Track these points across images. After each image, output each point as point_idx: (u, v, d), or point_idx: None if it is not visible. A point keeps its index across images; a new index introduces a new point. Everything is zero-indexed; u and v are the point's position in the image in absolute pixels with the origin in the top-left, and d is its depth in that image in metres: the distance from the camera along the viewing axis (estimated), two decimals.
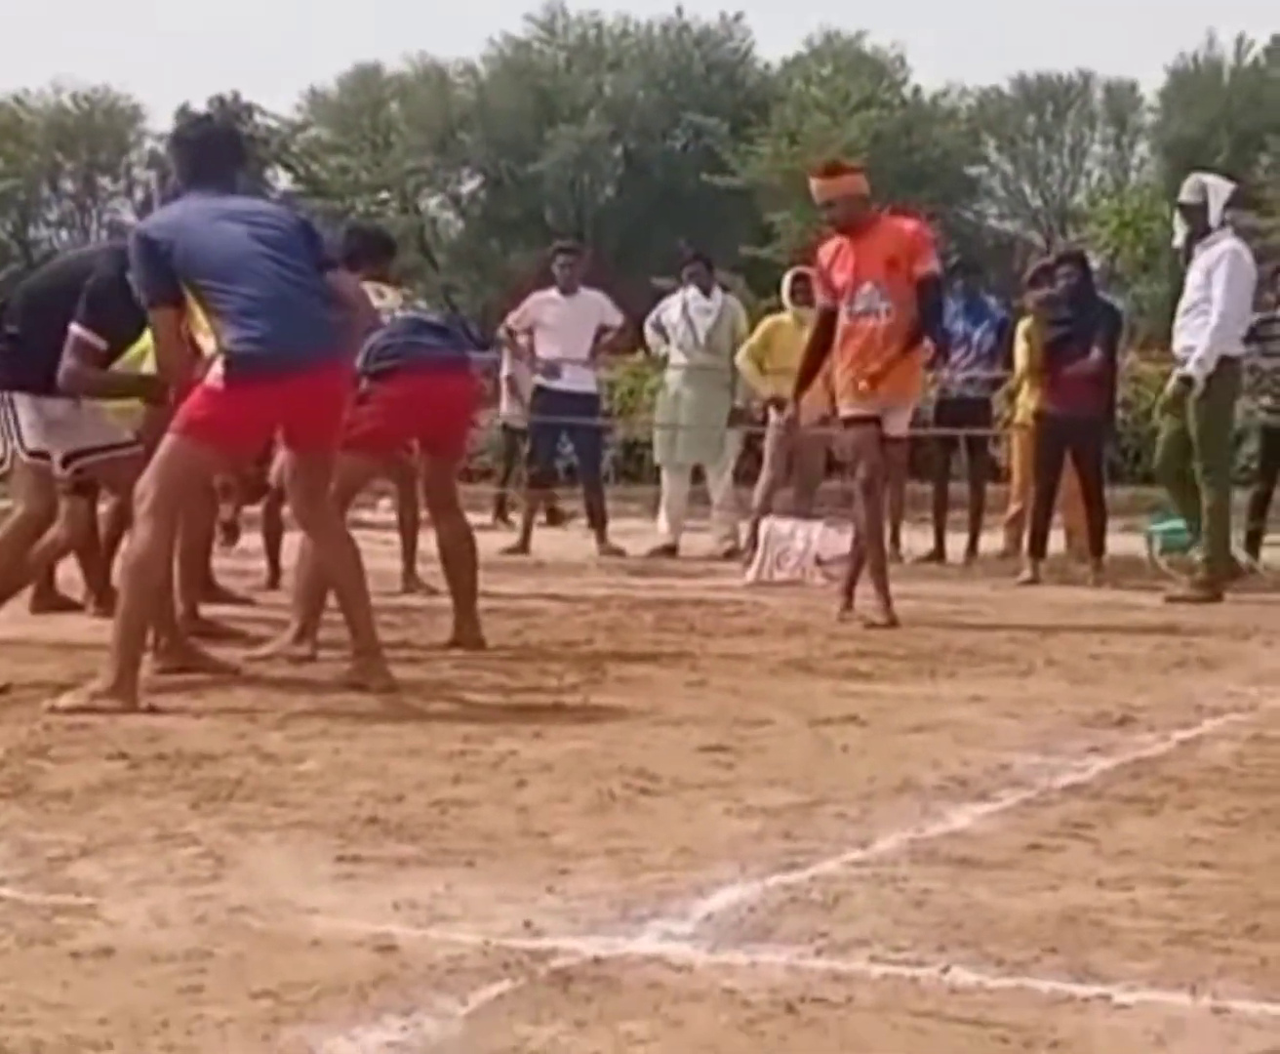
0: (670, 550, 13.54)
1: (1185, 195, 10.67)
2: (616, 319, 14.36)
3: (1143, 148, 58.33)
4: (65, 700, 5.95)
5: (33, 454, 7.34)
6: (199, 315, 6.49)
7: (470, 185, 58.31)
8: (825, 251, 9.17)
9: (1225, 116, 53.56)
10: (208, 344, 6.55)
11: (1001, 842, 4.18)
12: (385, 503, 15.91)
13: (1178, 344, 10.56)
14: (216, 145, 6.82)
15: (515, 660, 7.41)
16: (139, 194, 56.15)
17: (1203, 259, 10.37)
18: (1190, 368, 10.37)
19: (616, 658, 7.49)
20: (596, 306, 14.25)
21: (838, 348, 9.01)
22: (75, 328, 7.06)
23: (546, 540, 14.24)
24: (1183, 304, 10.58)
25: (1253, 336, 12.35)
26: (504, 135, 55.05)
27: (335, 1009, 2.94)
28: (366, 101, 57.79)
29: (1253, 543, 11.92)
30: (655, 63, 57.22)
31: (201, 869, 3.84)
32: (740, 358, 13.11)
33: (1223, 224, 10.42)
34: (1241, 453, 16.40)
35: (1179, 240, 10.77)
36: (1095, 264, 53.19)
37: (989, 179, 56.74)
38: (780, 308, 13.60)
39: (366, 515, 14.03)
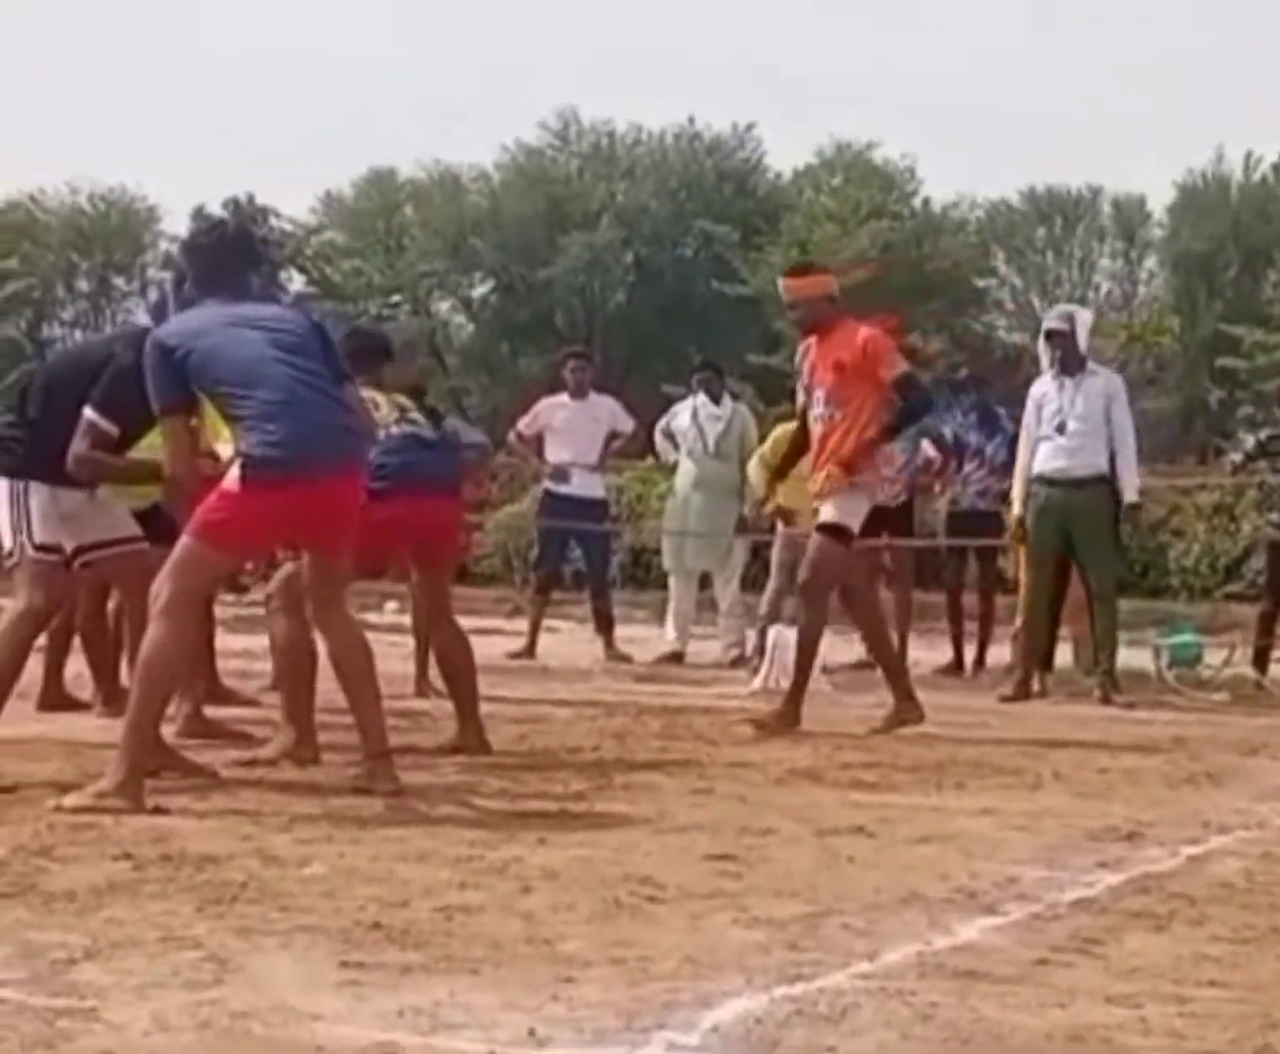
0: (677, 657, 13.53)
1: (1054, 323, 11.31)
2: (627, 425, 14.41)
3: (1151, 262, 58.58)
4: (71, 800, 5.93)
5: (40, 548, 7.35)
6: (216, 422, 6.51)
7: (482, 289, 58.61)
8: (801, 351, 9.33)
9: (1233, 232, 53.81)
10: (225, 450, 6.56)
11: (1009, 956, 4.16)
12: (391, 605, 15.94)
13: (1062, 462, 10.89)
14: (230, 250, 6.85)
15: (521, 767, 7.39)
16: (153, 295, 56.34)
17: (1092, 385, 11.01)
18: (1133, 495, 11.02)
19: (623, 765, 7.47)
20: (607, 412, 14.30)
21: None
22: (89, 411, 7.07)
23: (554, 645, 14.23)
24: (1058, 421, 10.95)
25: (1262, 452, 12.41)
26: (516, 240, 55.35)
27: None
28: (380, 205, 58.17)
29: (1260, 659, 11.91)
30: (667, 171, 57.57)
31: (205, 973, 3.82)
32: (752, 466, 13.13)
33: (1088, 353, 11.18)
34: (1249, 568, 16.42)
35: (1045, 365, 11.21)
36: None
37: (998, 291, 56.94)
38: (791, 416, 13.62)
39: (372, 618, 14.03)
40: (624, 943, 4.18)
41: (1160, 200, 57.15)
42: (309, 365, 6.40)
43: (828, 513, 9.00)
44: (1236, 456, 13.80)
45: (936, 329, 57.26)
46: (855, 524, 9.03)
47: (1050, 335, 11.12)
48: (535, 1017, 3.52)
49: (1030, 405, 11.15)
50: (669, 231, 56.56)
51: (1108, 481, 10.88)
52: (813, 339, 9.16)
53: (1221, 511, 22.90)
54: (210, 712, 8.17)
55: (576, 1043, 3.36)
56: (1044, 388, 11.08)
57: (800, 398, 9.42)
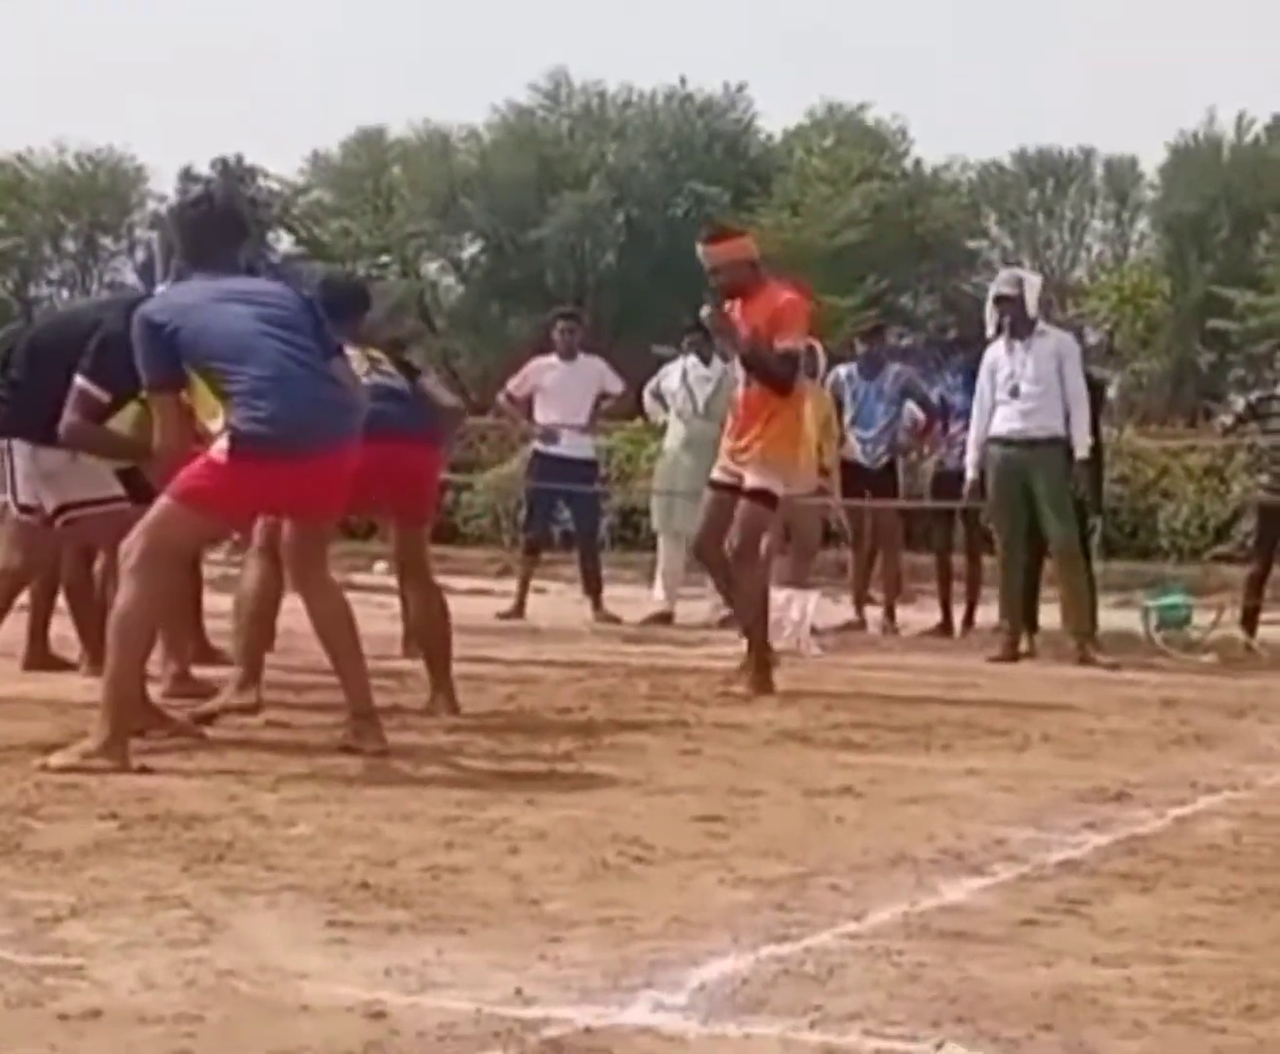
0: (666, 618, 13.53)
1: (1002, 288, 11.33)
2: (617, 386, 14.40)
3: (1143, 224, 58.55)
4: (57, 759, 5.92)
5: (23, 509, 7.33)
6: (207, 400, 6.48)
7: (471, 250, 58.48)
8: (729, 311, 9.24)
9: (1225, 194, 53.77)
10: (214, 425, 6.54)
11: (996, 916, 4.16)
12: (380, 566, 15.93)
13: (1017, 424, 11.00)
14: (218, 224, 6.80)
15: (509, 727, 7.38)
16: (140, 254, 56.25)
17: (1043, 347, 11.05)
18: (1083, 452, 11.04)
19: (611, 726, 7.46)
20: (596, 373, 14.28)
21: None
22: (80, 379, 7.05)
23: (542, 606, 14.23)
24: (1011, 385, 11.04)
25: (1252, 414, 12.42)
26: (506, 201, 55.22)
27: None
28: (369, 165, 57.97)
29: (1250, 621, 11.93)
30: (658, 132, 57.43)
31: (191, 932, 3.82)
32: None
33: (1037, 316, 11.19)
34: (1238, 530, 16.45)
35: (991, 329, 11.28)
36: (1093, 339, 53.46)
37: (989, 252, 56.90)
38: None
39: (360, 578, 14.03)
40: (611, 903, 4.18)
41: (1152, 162, 57.13)
42: (299, 340, 6.38)
43: (751, 480, 8.99)
44: (1227, 419, 13.85)
45: (928, 291, 57.32)
46: (778, 487, 9.06)
47: (999, 300, 11.19)
48: (522, 976, 3.52)
49: (984, 370, 11.21)
50: (660, 193, 56.43)
51: (1062, 441, 10.95)
52: (736, 303, 9.08)
53: (1211, 473, 22.93)
54: (198, 671, 8.15)
55: (563, 1002, 3.36)
56: (996, 352, 11.14)
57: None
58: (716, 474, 9.22)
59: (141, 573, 6.17)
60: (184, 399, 6.63)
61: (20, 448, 7.28)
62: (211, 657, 8.96)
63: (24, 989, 3.37)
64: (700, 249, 9.22)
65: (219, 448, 6.27)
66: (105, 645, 8.14)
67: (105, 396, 7.10)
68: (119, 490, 7.45)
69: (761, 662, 8.97)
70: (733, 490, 9.05)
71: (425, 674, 7.91)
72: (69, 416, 7.04)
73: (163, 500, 6.30)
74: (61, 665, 8.90)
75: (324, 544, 6.76)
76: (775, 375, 8.97)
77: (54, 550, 8.15)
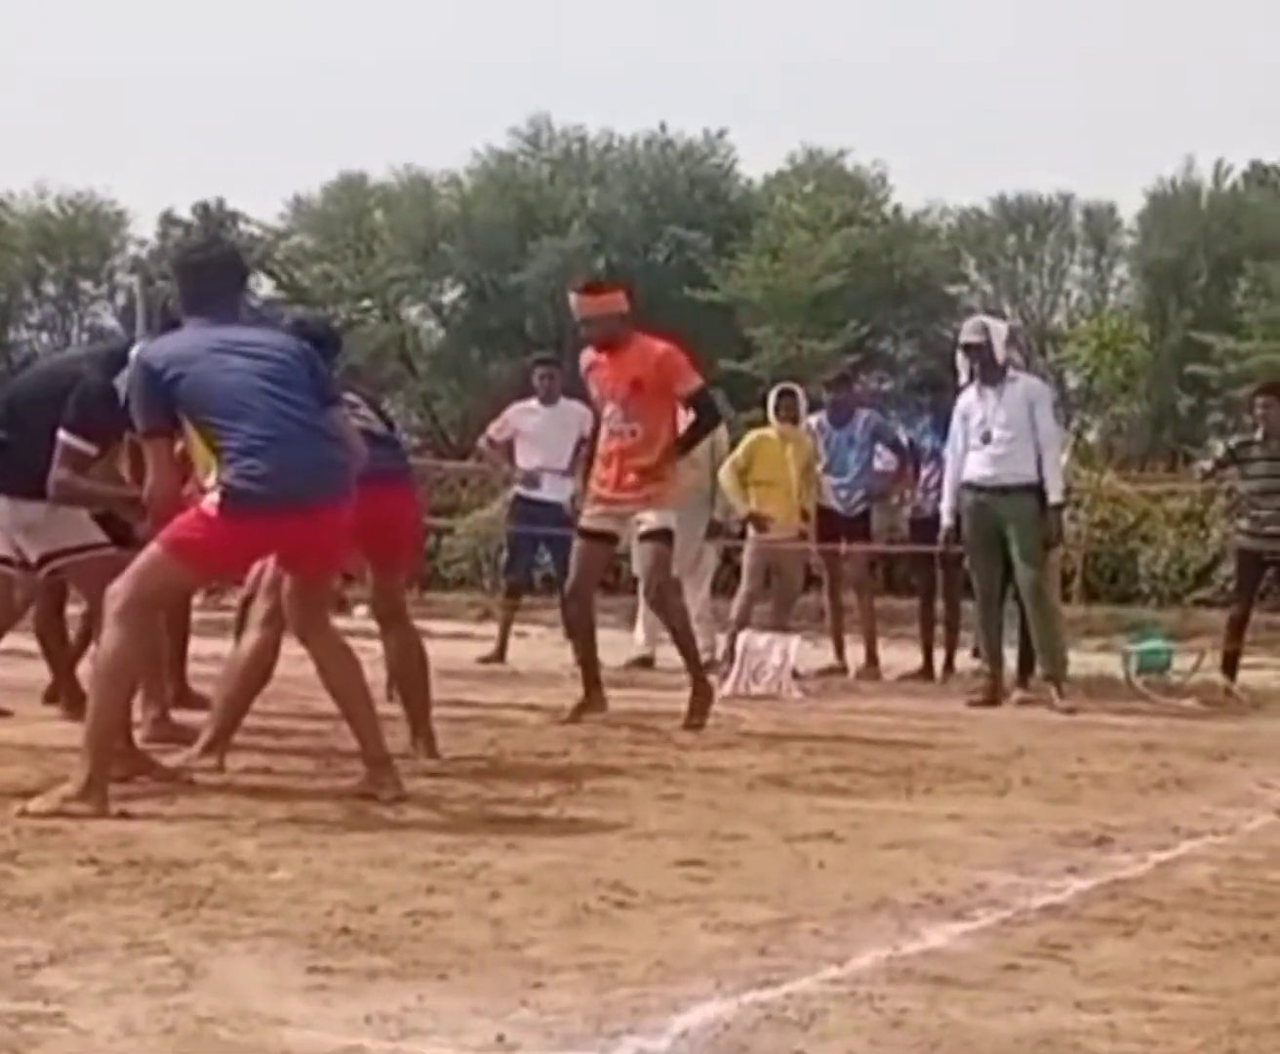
0: (647, 662, 13.51)
1: (970, 336, 11.40)
2: None
3: (1121, 269, 58.80)
4: (36, 805, 5.90)
5: (1, 560, 7.32)
6: (199, 447, 6.46)
7: (452, 295, 58.57)
8: (585, 359, 9.61)
9: (1203, 240, 54.03)
10: (208, 479, 6.52)
11: (978, 961, 4.15)
12: (361, 610, 15.89)
13: (989, 470, 11.05)
14: (220, 271, 6.76)
15: (490, 772, 7.37)
16: (121, 299, 56.29)
17: (1013, 393, 11.13)
18: (1056, 497, 11.18)
19: (592, 770, 7.45)
20: (577, 417, 14.25)
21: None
22: (64, 435, 7.04)
23: (523, 650, 14.21)
24: (983, 431, 11.09)
25: (1232, 459, 12.45)
26: (486, 246, 55.31)
27: None
28: (350, 210, 58.05)
29: (1230, 665, 11.94)
30: (638, 177, 57.59)
31: (171, 978, 3.80)
32: (723, 472, 13.15)
33: (1006, 362, 11.27)
34: (1218, 574, 16.49)
35: (964, 377, 11.35)
36: (1073, 384, 53.57)
37: (969, 298, 57.05)
38: (763, 422, 13.66)
39: (341, 623, 14.00)
40: (593, 948, 4.16)
41: (1131, 208, 57.41)
42: (295, 397, 6.35)
43: (650, 521, 9.30)
44: (1206, 464, 13.85)
45: (908, 336, 57.46)
46: (673, 523, 9.43)
47: (967, 348, 11.25)
48: (504, 1022, 3.51)
49: (956, 417, 11.28)
50: (640, 238, 56.56)
51: (1035, 488, 10.99)
52: (600, 354, 9.41)
53: (1191, 518, 22.97)
54: (178, 716, 8.13)
55: (545, 1048, 3.35)
56: (968, 399, 11.20)
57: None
58: (587, 523, 9.51)
59: (127, 618, 6.16)
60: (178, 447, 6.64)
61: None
62: (191, 701, 8.93)
63: (3, 1037, 3.34)
64: (573, 299, 9.56)
65: (211, 501, 6.26)
66: (78, 688, 8.16)
67: (91, 450, 7.09)
68: (100, 537, 7.44)
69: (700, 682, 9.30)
70: (605, 538, 9.45)
71: (405, 718, 7.87)
72: (57, 472, 7.03)
73: (152, 548, 6.29)
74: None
75: (324, 595, 6.76)
76: (708, 426, 9.63)
77: (29, 596, 8.14)
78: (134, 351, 7.19)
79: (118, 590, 6.21)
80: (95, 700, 6.16)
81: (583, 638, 9.67)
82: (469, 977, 3.89)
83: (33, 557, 7.37)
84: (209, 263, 6.84)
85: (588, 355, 9.54)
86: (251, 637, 7.27)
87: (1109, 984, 3.96)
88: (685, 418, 9.56)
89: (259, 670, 7.26)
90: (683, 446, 9.47)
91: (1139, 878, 5.33)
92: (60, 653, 8.65)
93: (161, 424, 6.41)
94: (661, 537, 9.29)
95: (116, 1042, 3.34)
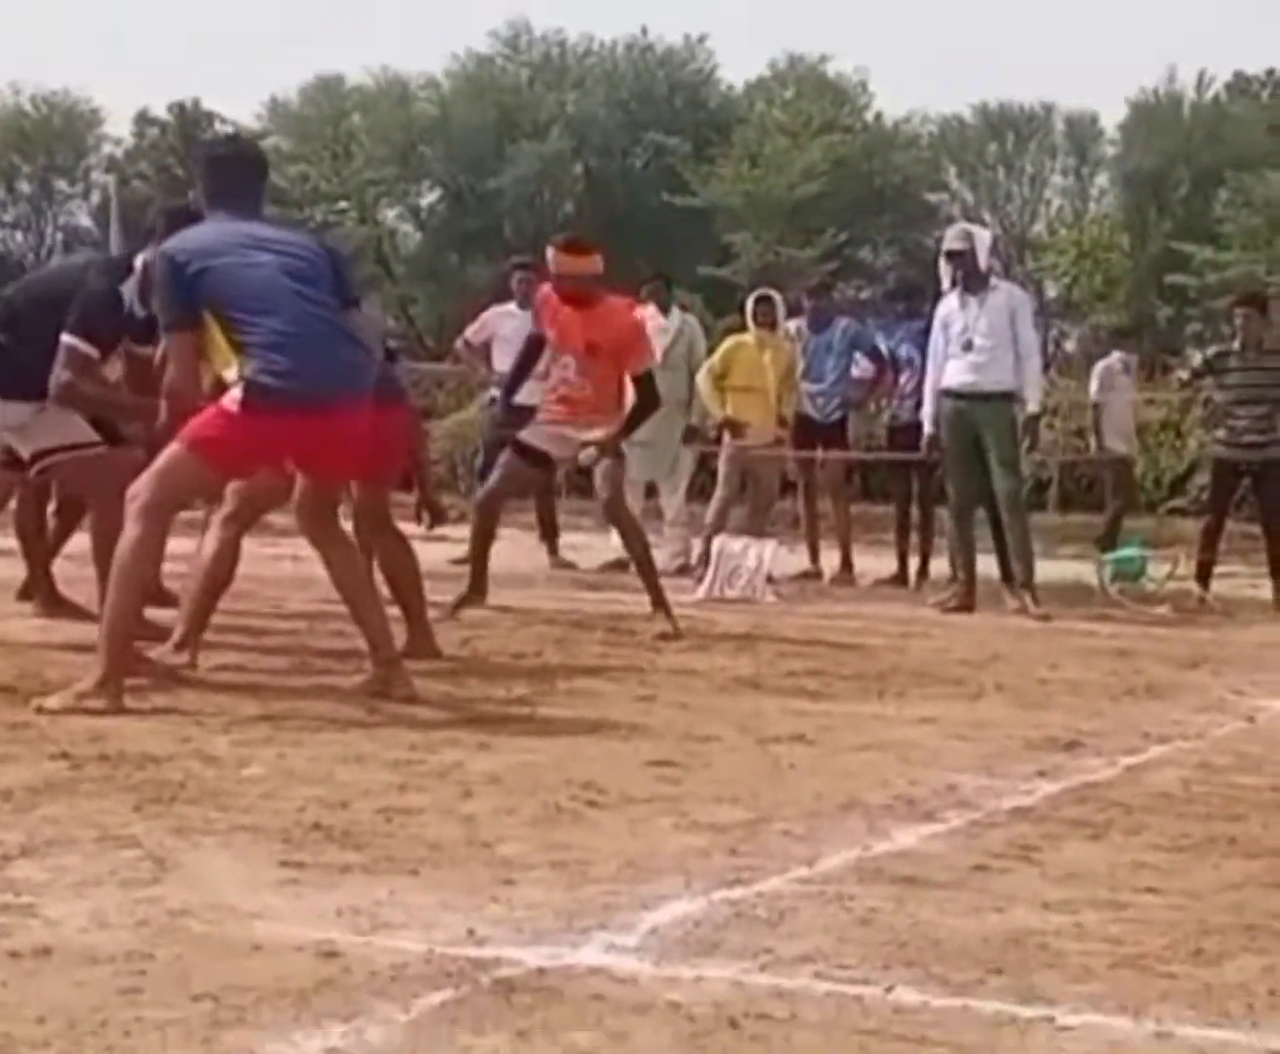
0: (621, 565, 13.49)
1: (953, 243, 11.37)
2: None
3: (1102, 179, 58.69)
4: (52, 702, 5.91)
5: None
6: (221, 344, 6.43)
7: (430, 198, 58.33)
8: (545, 292, 9.62)
9: (1185, 151, 53.91)
10: (228, 374, 6.49)
11: (947, 862, 4.18)
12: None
13: (969, 378, 11.01)
14: (242, 166, 6.72)
15: (463, 671, 7.38)
16: (96, 198, 55.98)
17: (995, 301, 11.08)
18: (1035, 406, 11.32)
19: (566, 671, 7.47)
20: None
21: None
22: (68, 338, 6.98)
23: (498, 551, 14.18)
24: (964, 339, 11.04)
25: (1209, 369, 12.45)
26: (465, 150, 55.05)
27: (276, 1014, 2.92)
28: (328, 112, 57.73)
29: (1203, 573, 11.97)
30: (618, 81, 57.32)
31: (143, 872, 3.81)
32: (700, 377, 13.13)
33: (989, 270, 11.19)
34: (1194, 484, 16.52)
35: (947, 284, 11.30)
36: (1052, 293, 53.53)
37: (949, 206, 56.93)
38: (740, 328, 13.62)
39: None
40: (564, 846, 4.18)
41: (1112, 118, 57.28)
42: (319, 295, 6.33)
43: (598, 438, 9.40)
44: (1183, 373, 13.86)
45: (887, 244, 57.35)
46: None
47: (950, 255, 11.21)
48: (474, 917, 3.53)
49: (937, 324, 11.24)
50: (619, 143, 56.36)
51: (1013, 396, 11.00)
52: (563, 302, 9.42)
53: (1168, 428, 22.99)
54: (150, 613, 8.11)
55: (515, 943, 3.37)
56: (949, 306, 11.16)
57: (535, 328, 9.76)
58: (527, 438, 9.59)
59: (146, 517, 6.15)
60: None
61: None
62: (165, 599, 8.92)
63: None
64: (552, 254, 9.53)
65: (232, 397, 6.23)
66: (54, 587, 8.15)
67: (95, 352, 7.05)
68: (93, 436, 7.39)
69: (659, 598, 9.29)
70: (538, 460, 9.61)
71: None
72: (61, 374, 6.98)
73: (173, 447, 6.25)
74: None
75: (337, 498, 6.75)
76: (648, 410, 9.62)
77: (8, 492, 8.12)
78: (142, 257, 7.15)
79: (138, 490, 6.19)
80: (113, 598, 6.15)
81: (480, 539, 9.80)
82: (440, 872, 3.91)
83: (25, 454, 7.33)
84: (232, 157, 6.82)
85: (548, 291, 9.55)
86: (213, 537, 7.26)
87: (1077, 885, 3.98)
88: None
89: (222, 573, 7.25)
90: (626, 430, 9.54)
91: (1108, 781, 5.36)
92: (37, 550, 8.62)
93: (185, 318, 6.36)
94: (612, 454, 9.38)
95: (88, 933, 3.35)
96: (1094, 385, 15.15)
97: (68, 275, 7.59)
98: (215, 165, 6.73)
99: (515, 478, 9.75)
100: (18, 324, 7.31)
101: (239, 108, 60.21)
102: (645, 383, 9.45)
